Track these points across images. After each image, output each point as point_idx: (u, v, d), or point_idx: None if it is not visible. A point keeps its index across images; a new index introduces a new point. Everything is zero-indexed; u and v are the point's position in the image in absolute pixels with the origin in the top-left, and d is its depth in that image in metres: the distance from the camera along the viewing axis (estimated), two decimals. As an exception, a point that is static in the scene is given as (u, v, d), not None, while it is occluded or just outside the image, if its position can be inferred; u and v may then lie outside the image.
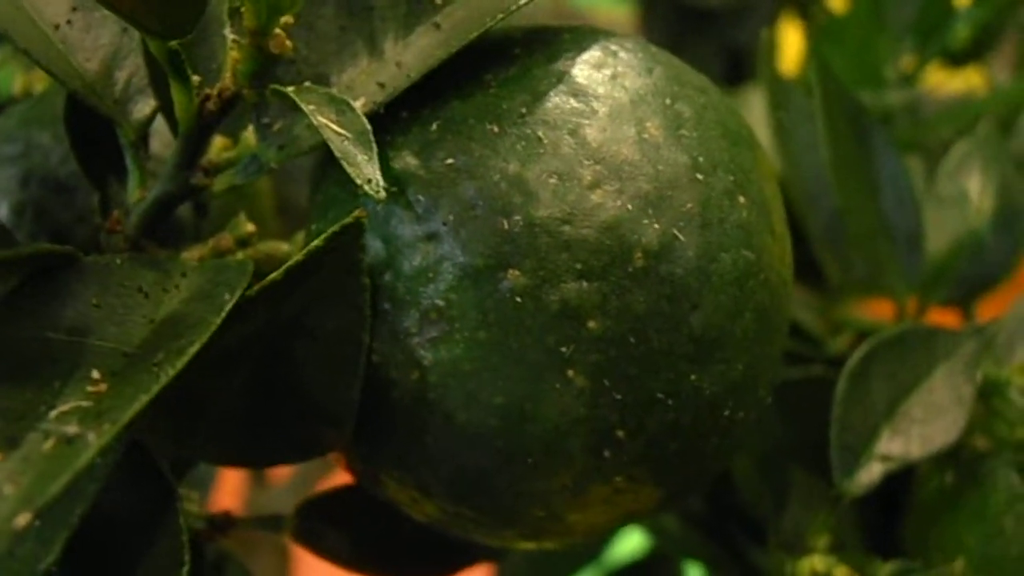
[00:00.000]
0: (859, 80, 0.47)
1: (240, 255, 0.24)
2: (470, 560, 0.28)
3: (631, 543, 0.50)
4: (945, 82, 0.57)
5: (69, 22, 0.24)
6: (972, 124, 0.48)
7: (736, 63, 0.68)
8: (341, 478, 0.28)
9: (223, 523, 0.26)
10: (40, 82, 0.36)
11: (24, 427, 0.16)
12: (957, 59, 0.52)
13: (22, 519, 0.15)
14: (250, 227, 0.24)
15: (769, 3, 0.67)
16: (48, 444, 0.16)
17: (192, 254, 0.24)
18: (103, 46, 0.24)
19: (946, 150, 0.41)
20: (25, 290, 0.19)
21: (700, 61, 0.78)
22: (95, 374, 0.17)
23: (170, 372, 0.17)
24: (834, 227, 0.39)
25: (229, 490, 0.49)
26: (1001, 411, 0.32)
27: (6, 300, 0.18)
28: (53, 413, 0.16)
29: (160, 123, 0.24)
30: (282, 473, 0.52)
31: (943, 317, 0.39)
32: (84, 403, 0.17)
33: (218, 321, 0.18)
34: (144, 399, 0.16)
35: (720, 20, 0.68)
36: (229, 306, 0.18)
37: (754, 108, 0.46)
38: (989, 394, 0.32)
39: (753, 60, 0.71)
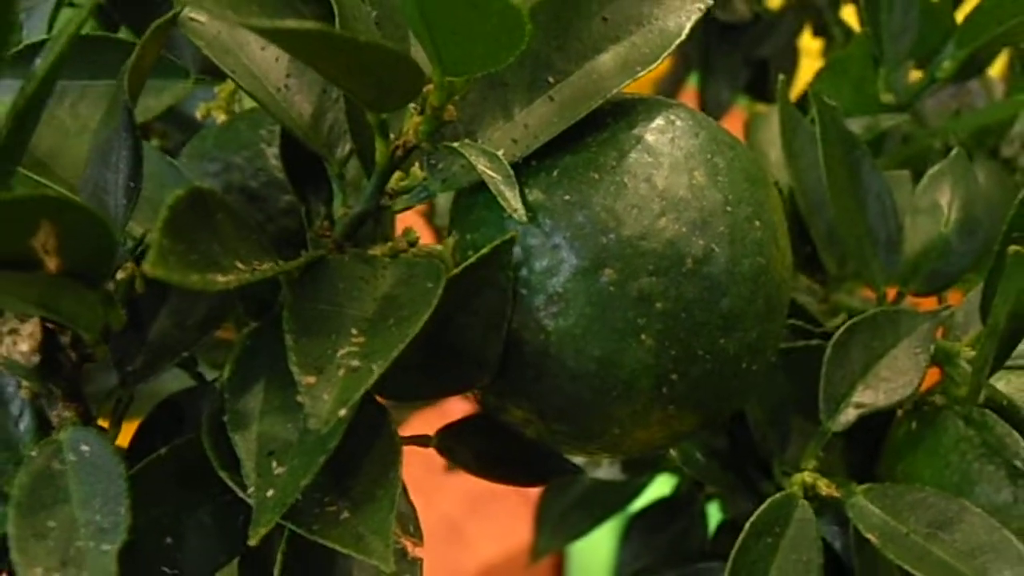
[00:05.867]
0: (859, 107, 0.51)
1: (411, 252, 0.32)
2: (560, 471, 0.35)
3: (663, 487, 0.57)
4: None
5: (287, 86, 0.32)
6: (971, 134, 0.53)
7: (761, 73, 0.71)
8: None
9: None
10: (216, 110, 0.45)
11: (323, 362, 0.24)
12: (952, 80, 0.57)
13: (342, 411, 0.23)
14: (417, 234, 0.33)
15: (791, 19, 0.70)
16: (341, 372, 0.24)
17: (375, 251, 0.32)
18: (312, 102, 0.32)
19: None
20: (303, 278, 0.27)
21: (728, 72, 0.83)
22: (354, 331, 0.26)
23: (410, 332, 0.24)
24: (832, 231, 0.43)
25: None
26: (952, 375, 0.37)
27: (296, 285, 0.27)
28: (339, 353, 0.25)
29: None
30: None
31: (923, 304, 0.43)
32: (353, 348, 0.25)
33: (435, 301, 0.25)
34: (401, 346, 0.24)
35: (745, 33, 0.70)
36: (440, 291, 0.26)
37: (775, 127, 0.50)
38: (944, 362, 0.37)
39: (776, 72, 0.76)
